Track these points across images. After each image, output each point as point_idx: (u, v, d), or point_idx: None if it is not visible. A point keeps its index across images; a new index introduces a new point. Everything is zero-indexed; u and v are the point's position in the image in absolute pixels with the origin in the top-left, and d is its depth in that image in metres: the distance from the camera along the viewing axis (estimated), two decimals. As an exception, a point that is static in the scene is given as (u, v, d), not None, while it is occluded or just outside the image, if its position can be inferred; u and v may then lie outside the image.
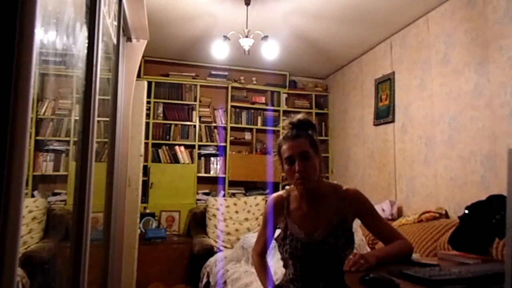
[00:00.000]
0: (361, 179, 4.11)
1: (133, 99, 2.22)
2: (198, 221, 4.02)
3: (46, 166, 2.15)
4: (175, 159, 4.39)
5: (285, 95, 4.87)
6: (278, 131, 4.68)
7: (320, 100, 5.08)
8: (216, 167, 4.53)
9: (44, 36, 1.06)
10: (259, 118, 4.75)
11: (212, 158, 4.54)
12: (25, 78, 0.68)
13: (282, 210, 1.56)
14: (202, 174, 4.47)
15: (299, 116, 1.50)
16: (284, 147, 1.46)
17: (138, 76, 3.11)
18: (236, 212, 3.98)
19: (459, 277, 1.07)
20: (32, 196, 2.01)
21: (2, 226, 0.64)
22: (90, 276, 1.19)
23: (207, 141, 4.55)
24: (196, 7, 3.16)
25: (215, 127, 4.61)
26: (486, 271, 1.12)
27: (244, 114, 4.71)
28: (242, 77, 4.76)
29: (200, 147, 4.49)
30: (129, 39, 2.22)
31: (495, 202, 1.74)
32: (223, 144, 4.56)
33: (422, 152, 3.15)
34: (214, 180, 4.53)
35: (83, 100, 1.19)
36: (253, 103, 4.74)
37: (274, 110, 4.80)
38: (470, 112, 2.65)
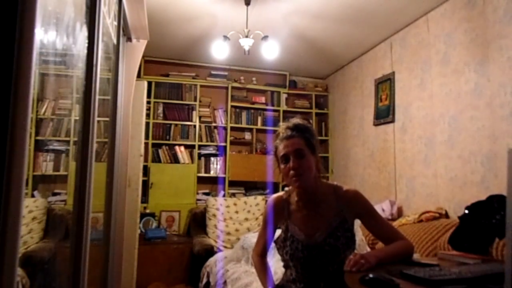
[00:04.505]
0: (361, 179, 4.10)
1: (133, 99, 2.22)
2: (198, 221, 4.02)
3: (46, 166, 2.15)
4: (175, 159, 4.39)
5: (285, 95, 4.87)
6: (278, 132, 4.67)
7: (320, 100, 5.08)
8: (216, 167, 4.53)
9: (44, 36, 1.06)
10: (259, 118, 4.76)
11: (212, 158, 4.54)
12: (25, 78, 0.68)
13: (283, 212, 1.56)
14: (202, 174, 4.47)
15: (295, 120, 1.52)
16: (280, 147, 1.48)
17: (138, 76, 3.11)
18: (236, 212, 3.98)
19: (459, 277, 1.07)
20: (32, 196, 2.01)
21: (2, 226, 0.64)
22: (90, 276, 1.19)
23: (207, 141, 4.55)
24: (196, 7, 3.16)
25: (215, 127, 4.61)
26: (486, 271, 1.12)
27: (244, 114, 4.71)
28: (242, 77, 4.76)
29: (200, 147, 4.50)
30: (129, 39, 2.22)
31: (495, 202, 1.74)
32: (223, 144, 4.56)
33: (422, 152, 3.15)
34: (214, 180, 4.53)
35: (83, 100, 1.19)
36: (253, 103, 4.74)
37: (274, 110, 4.80)
38: (470, 112, 2.65)
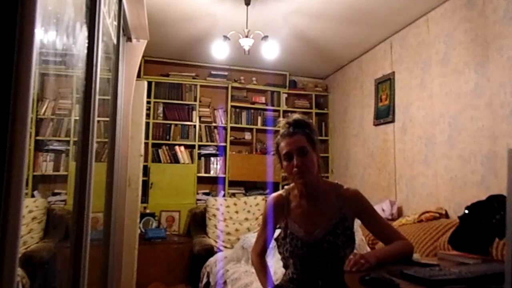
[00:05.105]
0: (361, 179, 4.10)
1: (133, 99, 2.22)
2: (198, 221, 4.02)
3: (46, 166, 2.15)
4: (175, 159, 4.39)
5: (285, 95, 4.87)
6: (278, 131, 4.67)
7: (320, 100, 5.08)
8: (216, 167, 4.53)
9: (44, 36, 1.05)
10: (259, 118, 4.76)
11: (212, 158, 4.54)
12: (25, 78, 0.68)
13: (282, 210, 1.56)
14: (202, 174, 4.47)
15: (295, 116, 1.53)
16: (282, 144, 1.48)
17: (138, 76, 3.11)
18: (236, 212, 3.98)
19: (459, 277, 1.07)
20: (32, 196, 2.01)
21: (2, 226, 0.64)
22: (90, 276, 1.19)
23: (207, 141, 4.55)
24: (196, 7, 3.16)
25: (215, 127, 4.61)
26: (486, 271, 1.11)
27: (244, 114, 4.71)
28: (242, 77, 4.76)
29: (200, 147, 4.50)
30: (129, 39, 2.22)
31: (495, 202, 1.73)
32: (223, 144, 4.56)
33: (422, 152, 3.15)
34: (214, 180, 4.53)
35: (83, 100, 1.19)
36: (253, 103, 4.74)
37: (274, 110, 4.80)
38: (470, 112, 2.65)
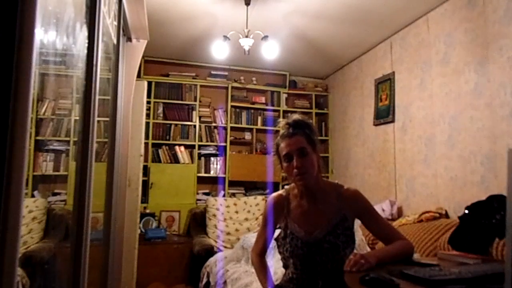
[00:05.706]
0: (361, 179, 4.10)
1: (133, 99, 2.22)
2: (198, 221, 4.02)
3: (46, 166, 2.15)
4: (175, 159, 4.39)
5: (285, 95, 4.87)
6: (278, 131, 4.67)
7: (320, 100, 5.08)
8: (216, 167, 4.53)
9: (44, 36, 1.05)
10: (259, 118, 4.76)
11: (212, 158, 4.54)
12: (25, 78, 0.68)
13: (282, 210, 1.56)
14: (202, 174, 4.47)
15: (295, 116, 1.53)
16: (282, 145, 1.48)
17: (138, 76, 3.11)
18: (236, 212, 3.99)
19: (459, 277, 1.07)
20: (32, 196, 2.01)
21: (2, 226, 0.64)
22: (90, 276, 1.19)
23: (207, 141, 4.55)
24: (196, 7, 3.16)
25: (215, 127, 4.61)
26: (486, 271, 1.11)
27: (244, 114, 4.71)
28: (242, 77, 4.76)
29: (200, 147, 4.50)
30: (129, 39, 2.22)
31: (495, 202, 1.74)
32: (223, 144, 4.56)
33: (422, 152, 3.15)
34: (214, 180, 4.53)
35: (83, 100, 1.19)
36: (253, 103, 4.74)
37: (274, 110, 4.80)
38: (470, 112, 2.65)
